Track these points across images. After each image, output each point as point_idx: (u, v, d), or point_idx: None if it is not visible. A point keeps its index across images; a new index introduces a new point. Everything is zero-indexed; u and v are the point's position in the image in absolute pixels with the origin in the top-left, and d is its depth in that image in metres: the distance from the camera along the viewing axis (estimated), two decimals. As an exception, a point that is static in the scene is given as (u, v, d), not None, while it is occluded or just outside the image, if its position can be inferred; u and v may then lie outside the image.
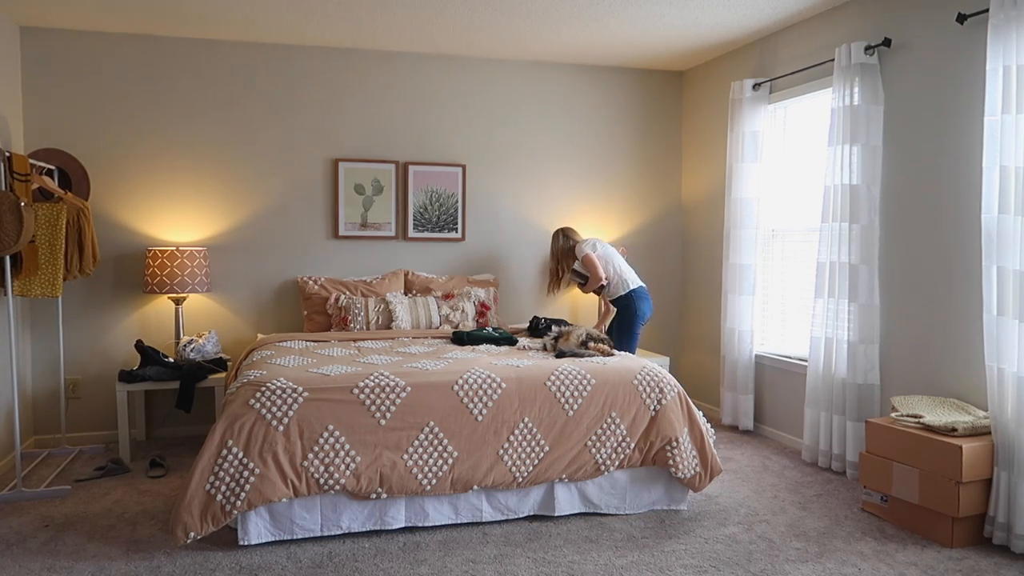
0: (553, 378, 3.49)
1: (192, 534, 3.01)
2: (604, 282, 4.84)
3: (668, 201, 5.90)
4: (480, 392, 3.38)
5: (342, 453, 3.18)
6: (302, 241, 5.16)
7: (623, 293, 4.83)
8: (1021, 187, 3.14)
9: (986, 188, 3.23)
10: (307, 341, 4.37)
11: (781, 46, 4.77)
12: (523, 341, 4.50)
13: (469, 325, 4.89)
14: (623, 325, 4.84)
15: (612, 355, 3.91)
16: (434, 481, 3.27)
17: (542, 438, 3.41)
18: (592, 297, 5.73)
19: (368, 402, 3.25)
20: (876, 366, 4.01)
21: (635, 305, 4.80)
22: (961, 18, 3.45)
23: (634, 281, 4.88)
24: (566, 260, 5.10)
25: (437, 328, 4.83)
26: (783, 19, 4.55)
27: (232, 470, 3.06)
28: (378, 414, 3.25)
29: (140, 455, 4.51)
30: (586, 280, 4.93)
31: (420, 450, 3.27)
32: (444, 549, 3.18)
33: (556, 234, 5.15)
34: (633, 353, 4.74)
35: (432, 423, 3.30)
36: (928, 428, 3.33)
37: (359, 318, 4.73)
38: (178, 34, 4.83)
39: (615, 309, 4.97)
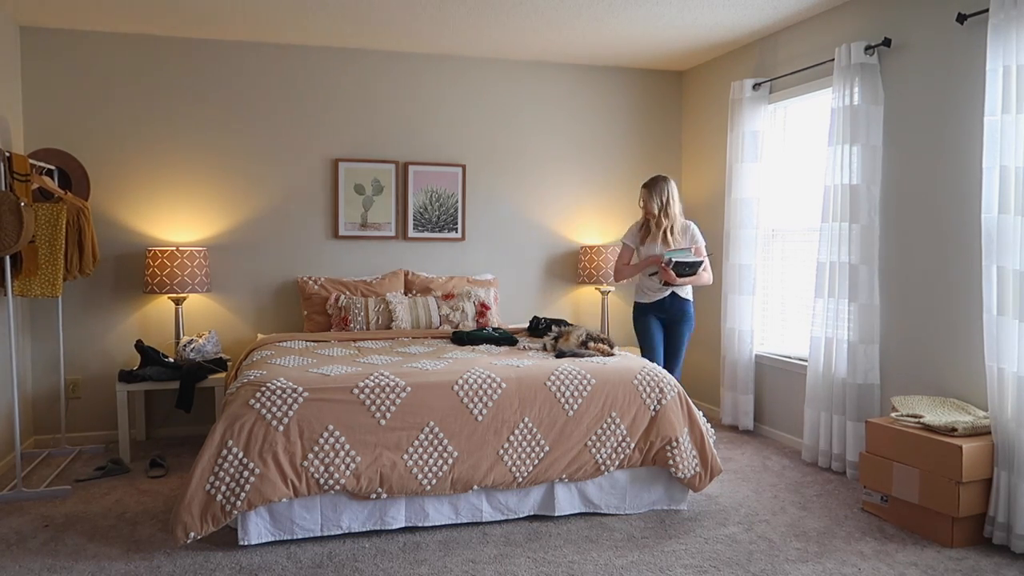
0: (553, 378, 3.49)
1: (192, 534, 3.01)
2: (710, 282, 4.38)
3: (668, 201, 5.89)
4: (480, 392, 3.38)
5: (342, 453, 3.17)
6: (302, 241, 5.16)
7: (691, 300, 4.42)
8: (1021, 187, 3.14)
9: (986, 188, 3.23)
10: (307, 341, 4.37)
11: (781, 46, 4.77)
12: (523, 341, 4.50)
13: (469, 325, 4.89)
14: (683, 337, 4.40)
15: (612, 355, 3.91)
16: (434, 481, 3.27)
17: (542, 438, 3.41)
18: (593, 296, 5.72)
19: (368, 402, 3.25)
20: (876, 366, 4.01)
21: (694, 317, 4.45)
22: (961, 18, 3.45)
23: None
24: (672, 223, 4.35)
25: (437, 328, 4.83)
26: (783, 19, 4.55)
27: (232, 470, 3.06)
28: (378, 414, 3.25)
29: (140, 455, 4.51)
30: (687, 271, 4.20)
31: (420, 450, 3.27)
32: (444, 549, 3.18)
33: (663, 181, 4.38)
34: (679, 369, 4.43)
35: (432, 423, 3.30)
36: (928, 428, 3.33)
37: (359, 318, 4.73)
38: (178, 34, 4.83)
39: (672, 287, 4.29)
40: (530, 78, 5.53)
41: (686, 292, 4.37)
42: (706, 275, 4.34)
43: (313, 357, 3.83)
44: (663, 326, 4.41)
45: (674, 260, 4.18)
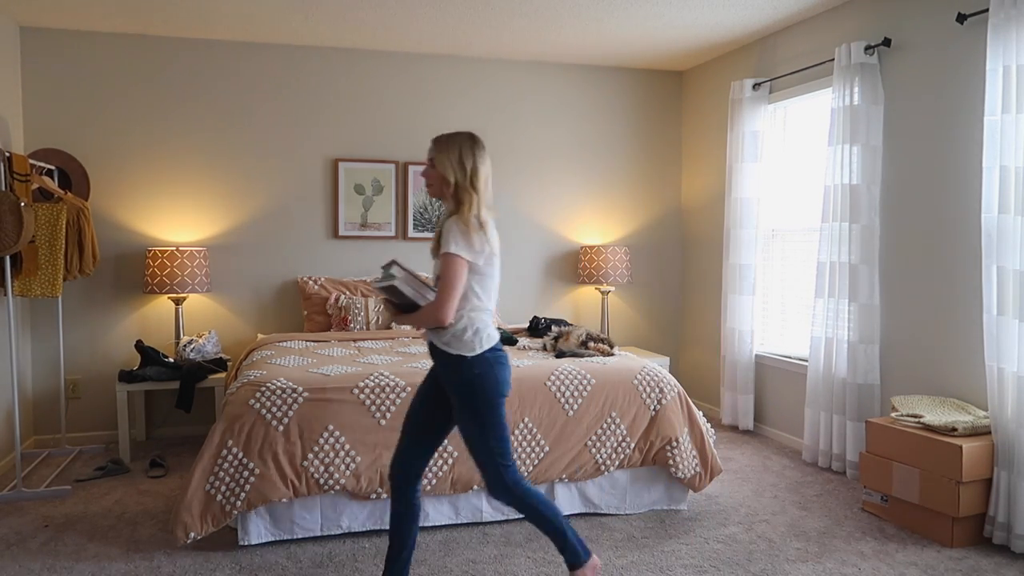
0: (553, 378, 3.49)
1: (192, 534, 3.01)
2: (448, 322, 2.45)
3: (668, 201, 5.89)
4: (480, 392, 3.37)
5: (342, 453, 3.17)
6: (302, 241, 5.16)
7: (467, 355, 2.46)
8: (1021, 187, 3.14)
9: (986, 188, 3.24)
10: (307, 341, 4.37)
11: (781, 46, 4.77)
12: (523, 341, 4.50)
13: (469, 325, 4.88)
14: (457, 414, 2.55)
15: (612, 355, 3.91)
16: (434, 481, 3.26)
17: (542, 438, 3.41)
18: (593, 296, 5.72)
19: (368, 402, 3.25)
20: (876, 366, 4.01)
21: (484, 379, 2.47)
22: (961, 18, 3.45)
23: (493, 336, 2.53)
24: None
25: (437, 328, 4.82)
26: (783, 19, 4.55)
27: (232, 470, 3.06)
28: (378, 414, 3.25)
29: (140, 455, 4.51)
30: (403, 302, 2.54)
31: (420, 450, 3.27)
32: (444, 549, 3.18)
33: (459, 136, 2.74)
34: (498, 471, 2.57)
35: (432, 423, 3.29)
36: (928, 428, 3.33)
37: (359, 318, 4.73)
38: (178, 34, 4.83)
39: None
40: (530, 78, 5.53)
41: (456, 344, 2.49)
42: (431, 312, 2.45)
43: (313, 357, 3.83)
44: (435, 391, 2.64)
45: (376, 285, 2.62)
